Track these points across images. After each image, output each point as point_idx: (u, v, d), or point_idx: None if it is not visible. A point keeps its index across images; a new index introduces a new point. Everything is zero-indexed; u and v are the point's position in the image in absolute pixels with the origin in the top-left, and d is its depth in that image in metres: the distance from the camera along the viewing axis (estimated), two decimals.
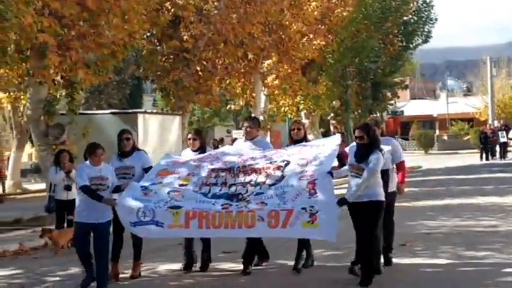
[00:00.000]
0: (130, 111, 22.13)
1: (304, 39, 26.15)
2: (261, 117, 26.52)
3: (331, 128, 41.10)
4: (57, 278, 9.47)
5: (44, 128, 16.05)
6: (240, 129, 43.19)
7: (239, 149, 9.70)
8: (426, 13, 34.57)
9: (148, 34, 21.09)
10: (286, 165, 8.79)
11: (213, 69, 22.62)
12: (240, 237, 9.12)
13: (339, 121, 35.02)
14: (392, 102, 36.39)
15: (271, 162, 8.92)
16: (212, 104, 24.25)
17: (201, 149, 9.72)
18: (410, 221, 14.14)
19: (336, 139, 9.27)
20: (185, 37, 21.83)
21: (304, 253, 9.56)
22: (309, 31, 26.29)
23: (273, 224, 8.05)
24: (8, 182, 25.67)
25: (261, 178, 8.67)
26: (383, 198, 8.56)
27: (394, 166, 9.56)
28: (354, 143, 8.95)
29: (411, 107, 65.03)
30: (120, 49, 16.38)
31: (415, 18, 34.24)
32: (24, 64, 15.98)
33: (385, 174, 8.95)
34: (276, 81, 26.91)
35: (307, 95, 29.19)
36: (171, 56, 22.26)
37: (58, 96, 17.46)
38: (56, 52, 15.37)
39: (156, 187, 8.78)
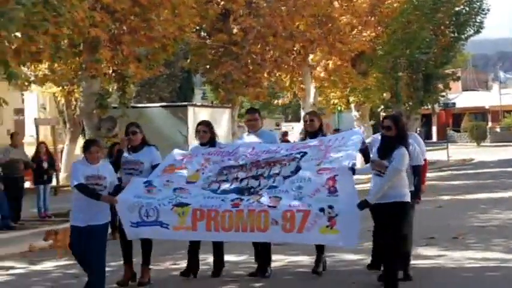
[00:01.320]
0: (180, 104, 22.27)
1: (354, 31, 25.98)
2: (310, 110, 26.49)
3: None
4: (109, 268, 9.61)
5: (96, 121, 16.28)
6: (289, 121, 43.14)
7: (252, 143, 8.90)
8: (478, 3, 33.95)
9: (198, 27, 21.21)
10: (302, 156, 8.15)
11: (262, 62, 22.63)
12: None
13: (389, 113, 34.73)
14: (443, 93, 35.83)
15: (286, 156, 8.27)
16: (261, 97, 24.27)
17: (211, 143, 9.00)
18: (462, 214, 14.01)
19: (357, 132, 8.76)
20: (234, 30, 21.90)
21: (324, 255, 8.88)
22: (358, 23, 26.11)
23: (288, 228, 7.35)
24: (62, 175, 26.09)
25: (274, 170, 8.06)
26: (408, 199, 7.71)
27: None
28: (377, 135, 8.34)
29: (463, 99, 64.09)
30: (171, 43, 16.53)
31: (467, 9, 33.65)
32: (77, 58, 16.25)
33: (416, 170, 8.32)
34: (325, 74, 26.79)
35: (357, 87, 28.99)
36: (220, 49, 22.35)
37: (110, 90, 17.69)
38: (108, 46, 15.61)
39: (160, 182, 8.19)
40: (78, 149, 21.94)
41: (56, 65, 17.79)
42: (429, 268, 9.10)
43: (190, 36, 18.14)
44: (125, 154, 8.75)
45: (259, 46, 22.35)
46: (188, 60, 23.68)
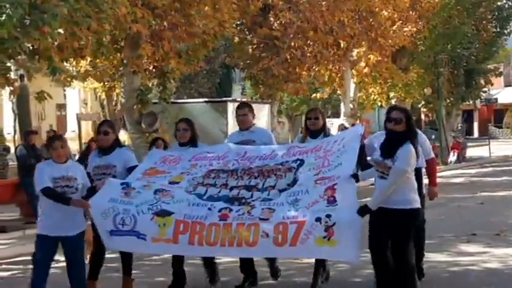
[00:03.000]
0: (220, 99, 22.36)
1: (395, 26, 25.77)
2: (351, 105, 26.39)
3: (422, 116, 40.51)
4: (152, 263, 9.68)
5: (137, 116, 16.44)
6: (329, 117, 43.05)
7: (244, 147, 7.85)
8: None
9: (238, 23, 21.24)
10: (299, 165, 7.24)
11: (302, 57, 22.57)
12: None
13: (430, 109, 34.42)
14: (485, 89, 35.42)
15: (282, 164, 7.33)
16: (301, 92, 24.24)
17: (192, 142, 8.01)
18: (504, 211, 13.85)
19: (357, 129, 7.54)
20: (274, 25, 21.89)
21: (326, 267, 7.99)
22: (399, 18, 25.89)
23: (280, 242, 6.43)
24: None
25: (269, 182, 7.12)
26: (418, 205, 6.60)
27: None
28: (378, 133, 7.57)
29: (505, 94, 63.06)
30: (211, 38, 16.60)
31: (510, 3, 33.19)
32: (118, 54, 16.42)
33: (418, 172, 7.18)
34: (366, 69, 26.64)
35: (397, 83, 28.78)
36: (261, 45, 22.35)
37: (151, 86, 17.84)
38: (149, 42, 15.73)
39: (139, 184, 7.19)
40: None
41: (97, 60, 17.99)
42: (470, 265, 9.02)
43: (230, 31, 18.16)
44: (94, 157, 7.84)
45: (299, 41, 22.29)
46: (228, 56, 23.74)
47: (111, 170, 7.60)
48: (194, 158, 7.67)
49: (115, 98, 24.81)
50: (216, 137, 16.68)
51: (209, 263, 8.02)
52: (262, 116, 21.26)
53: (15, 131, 29.37)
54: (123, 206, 6.87)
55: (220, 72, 34.94)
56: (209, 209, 6.82)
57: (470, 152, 33.43)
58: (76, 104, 35.35)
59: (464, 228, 11.29)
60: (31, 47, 11.26)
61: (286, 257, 7.63)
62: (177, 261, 7.84)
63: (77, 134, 22.90)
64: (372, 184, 6.94)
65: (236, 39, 22.45)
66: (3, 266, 10.33)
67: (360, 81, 27.41)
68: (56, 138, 7.14)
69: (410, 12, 26.44)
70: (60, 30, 11.45)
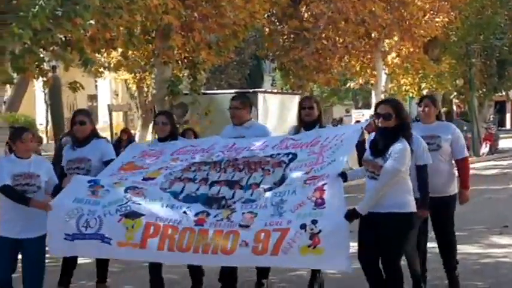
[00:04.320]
0: (250, 90, 22.34)
1: (427, 16, 25.55)
2: (382, 96, 26.24)
3: (454, 107, 40.13)
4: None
5: (168, 107, 16.51)
6: (359, 108, 42.83)
7: (233, 140, 7.17)
8: None
9: (268, 14, 21.21)
10: (290, 160, 6.51)
11: (333, 48, 22.49)
12: None
13: (462, 100, 34.12)
14: None
15: (271, 156, 6.62)
16: (332, 83, 24.17)
17: (171, 137, 7.33)
18: None
19: (357, 126, 6.80)
20: (305, 16, 21.83)
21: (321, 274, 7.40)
22: (431, 8, 25.67)
23: (259, 251, 5.77)
24: None
25: (254, 178, 6.40)
26: (412, 209, 5.92)
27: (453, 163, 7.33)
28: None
29: None
30: (241, 29, 16.61)
31: None
32: (149, 45, 16.51)
33: (422, 170, 6.54)
34: (397, 60, 26.47)
35: (429, 74, 28.55)
36: (291, 35, 22.31)
37: (181, 76, 17.91)
38: (180, 33, 15.80)
39: (109, 181, 6.51)
40: (149, 135, 22.30)
41: (129, 51, 18.10)
42: (502, 257, 8.95)
43: (261, 22, 18.15)
44: (68, 149, 7.31)
45: (330, 32, 22.21)
46: (258, 47, 23.75)
47: (86, 163, 7.07)
48: (177, 152, 7.03)
49: (146, 89, 24.93)
50: None
51: (195, 271, 7.31)
52: (292, 107, 21.24)
53: (47, 121, 29.71)
54: (88, 207, 6.20)
55: (250, 64, 34.93)
56: (184, 212, 6.14)
57: (503, 144, 33.11)
58: (107, 95, 35.63)
59: (496, 220, 11.20)
60: (63, 38, 11.34)
61: (265, 266, 6.96)
62: (154, 268, 6.89)
63: (108, 125, 23.08)
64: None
65: (266, 30, 22.43)
66: None
67: (392, 72, 27.24)
68: (25, 129, 6.60)
69: (443, 2, 26.19)
70: (92, 22, 11.50)
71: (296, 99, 21.63)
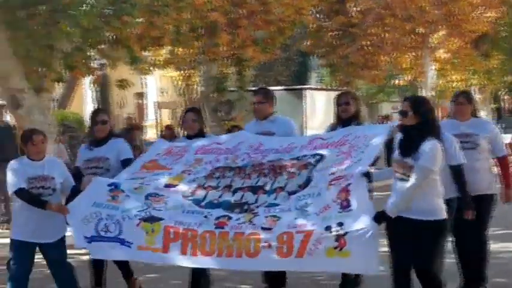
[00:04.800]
0: (297, 87, 22.32)
1: (476, 11, 25.20)
2: (430, 93, 25.96)
3: (503, 104, 39.51)
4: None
5: (214, 104, 16.59)
6: None
7: (260, 138, 6.81)
8: None
9: (315, 10, 21.15)
10: (317, 161, 6.19)
11: (381, 44, 22.35)
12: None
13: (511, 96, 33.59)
14: None
15: (298, 158, 6.32)
16: (378, 80, 24.03)
17: (200, 135, 7.03)
18: None
19: (386, 125, 6.50)
20: (352, 12, 21.71)
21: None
22: (481, 3, 25.31)
23: (284, 253, 5.52)
24: None
25: (279, 182, 6.13)
26: (444, 215, 5.50)
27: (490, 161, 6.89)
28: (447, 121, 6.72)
29: None
30: (288, 26, 16.60)
31: None
32: (196, 42, 16.59)
33: (457, 170, 6.19)
34: (446, 56, 26.17)
35: (478, 70, 28.18)
36: (338, 32, 22.22)
37: (228, 73, 17.97)
38: (226, 30, 15.85)
39: (130, 186, 6.29)
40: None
41: (176, 49, 18.24)
42: None
43: (307, 18, 18.11)
44: (84, 150, 7.12)
45: (377, 28, 22.07)
46: (306, 43, 23.72)
47: (104, 163, 6.88)
48: (201, 150, 6.74)
49: (193, 86, 25.09)
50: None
51: (198, 276, 6.66)
52: None
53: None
54: (107, 211, 6.04)
55: (297, 60, 34.86)
56: (205, 216, 5.92)
57: None
58: (155, 92, 35.90)
59: None
60: (112, 37, 11.48)
61: (292, 270, 6.35)
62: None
63: (155, 122, 23.28)
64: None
65: (313, 26, 22.37)
66: None
67: (441, 68, 26.96)
68: (36, 132, 6.41)
69: None
70: (140, 20, 11.62)
71: None
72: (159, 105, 24.70)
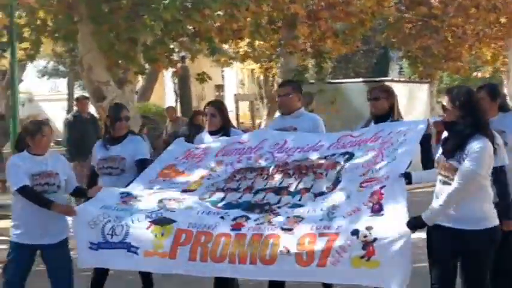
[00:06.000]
0: (377, 79, 22.08)
1: None
2: None
3: None
4: None
5: None
6: None
7: (285, 134, 6.27)
8: None
9: (396, 1, 20.89)
10: (346, 160, 5.63)
11: (463, 36, 21.88)
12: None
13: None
14: None
15: (326, 157, 5.76)
16: (462, 72, 23.54)
17: (223, 131, 6.46)
18: None
19: (423, 120, 5.77)
20: (434, 3, 21.32)
21: None
22: None
23: (305, 260, 4.82)
24: None
25: (304, 182, 5.58)
26: (495, 222, 4.82)
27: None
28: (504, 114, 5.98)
29: None
30: (368, 17, 16.45)
31: None
32: (275, 35, 16.63)
33: (499, 172, 5.36)
34: None
35: None
36: (419, 23, 21.86)
37: (307, 66, 17.94)
38: (305, 22, 15.81)
39: (143, 192, 5.84)
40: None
41: (255, 41, 18.33)
42: None
43: (388, 10, 17.90)
44: (100, 147, 6.53)
45: (460, 19, 21.60)
46: (384, 35, 23.46)
47: (120, 163, 6.37)
48: (222, 152, 6.22)
49: (272, 79, 25.15)
50: None
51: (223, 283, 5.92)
52: (420, 96, 20.84)
53: (176, 111, 30.44)
54: (116, 213, 5.53)
55: (377, 52, 34.51)
56: (222, 217, 5.36)
57: None
58: (234, 85, 36.14)
59: None
60: (193, 29, 11.60)
61: (312, 282, 5.31)
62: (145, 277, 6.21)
63: (234, 115, 23.44)
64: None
65: (394, 17, 22.08)
66: None
67: None
68: (44, 122, 5.86)
69: None
70: (220, 13, 11.71)
71: (425, 87, 21.20)
72: (238, 98, 24.83)
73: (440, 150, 4.92)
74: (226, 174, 5.94)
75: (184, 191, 5.82)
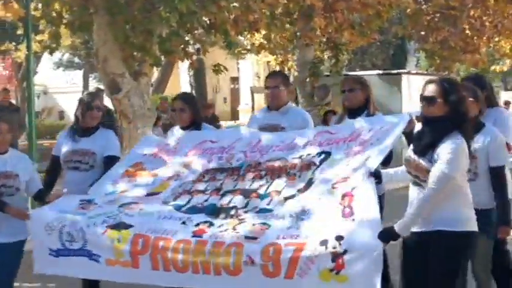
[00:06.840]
0: (394, 71, 21.93)
1: None
2: None
3: None
4: None
5: (309, 89, 16.51)
6: (509, 90, 41.15)
7: (259, 133, 5.92)
8: None
9: None
10: (322, 160, 5.24)
11: (481, 28, 21.66)
12: None
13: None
14: None
15: (301, 157, 5.39)
16: (480, 64, 23.32)
17: (195, 125, 6.10)
18: None
19: (405, 114, 5.25)
20: None
21: None
22: None
23: (271, 272, 4.55)
24: None
25: (277, 184, 5.23)
26: (471, 227, 4.44)
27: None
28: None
29: None
30: (385, 9, 16.29)
31: None
32: (291, 27, 16.53)
33: (497, 173, 5.14)
34: None
35: None
36: (437, 15, 21.66)
37: (323, 58, 17.84)
38: (322, 14, 15.70)
39: (104, 199, 5.49)
40: None
41: (271, 33, 18.23)
42: None
43: (405, 1, 17.72)
44: (67, 138, 6.09)
45: (478, 11, 21.38)
46: (402, 26, 23.28)
47: (89, 158, 5.95)
48: (193, 150, 5.92)
49: (287, 71, 25.07)
50: (389, 112, 16.35)
51: None
52: None
53: None
54: (71, 217, 5.21)
55: (394, 44, 34.32)
56: (183, 222, 5.06)
57: None
58: (249, 77, 36.06)
59: None
60: (208, 21, 11.53)
61: None
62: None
63: (250, 107, 23.36)
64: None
65: (411, 9, 21.89)
66: None
67: None
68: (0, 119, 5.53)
69: None
70: (236, 4, 11.62)
71: None
72: (254, 90, 24.75)
73: (411, 147, 4.53)
74: (195, 175, 5.64)
75: (148, 194, 5.55)
